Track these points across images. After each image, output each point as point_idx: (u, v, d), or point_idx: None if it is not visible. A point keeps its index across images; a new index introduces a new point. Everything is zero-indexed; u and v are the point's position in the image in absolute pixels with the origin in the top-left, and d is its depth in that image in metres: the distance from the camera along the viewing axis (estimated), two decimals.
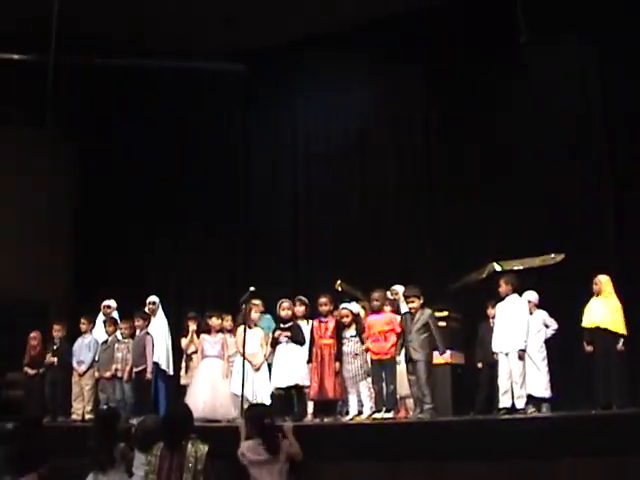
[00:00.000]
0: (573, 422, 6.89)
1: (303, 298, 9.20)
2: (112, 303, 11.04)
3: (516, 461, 6.31)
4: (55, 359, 10.47)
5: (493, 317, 9.34)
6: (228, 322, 9.71)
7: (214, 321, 9.54)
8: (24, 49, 12.76)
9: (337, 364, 8.37)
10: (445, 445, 6.76)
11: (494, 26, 11.61)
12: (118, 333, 10.23)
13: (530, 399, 8.63)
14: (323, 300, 8.68)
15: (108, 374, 9.99)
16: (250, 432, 6.72)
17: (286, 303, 8.96)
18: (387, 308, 8.68)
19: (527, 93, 11.86)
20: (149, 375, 9.73)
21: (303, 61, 13.63)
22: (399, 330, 8.32)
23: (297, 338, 8.70)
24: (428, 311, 8.23)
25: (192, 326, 10.15)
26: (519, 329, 8.44)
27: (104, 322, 10.60)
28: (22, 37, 12.40)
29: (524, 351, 8.48)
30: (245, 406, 8.49)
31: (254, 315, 9.12)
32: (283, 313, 8.91)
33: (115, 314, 10.88)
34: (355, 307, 9.07)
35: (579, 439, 6.23)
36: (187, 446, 6.23)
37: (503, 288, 8.67)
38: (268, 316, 9.60)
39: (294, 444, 6.79)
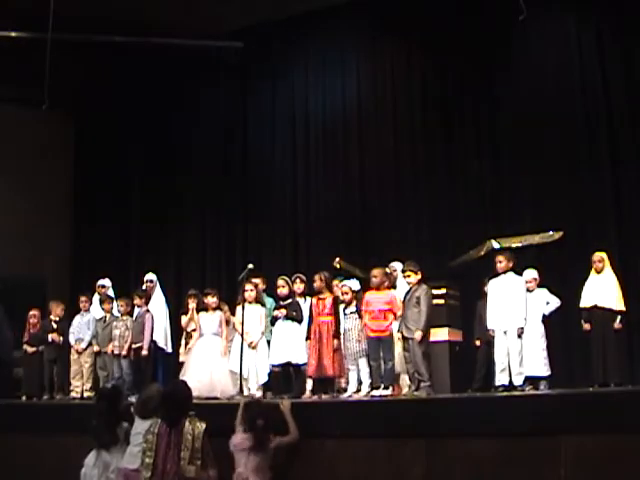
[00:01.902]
0: (571, 399, 6.89)
1: (302, 276, 9.20)
2: (106, 282, 11.07)
3: (514, 438, 6.32)
4: (61, 338, 10.49)
5: None
6: (225, 307, 9.75)
7: (209, 299, 9.53)
8: (22, 27, 12.70)
9: (335, 341, 8.34)
10: (443, 422, 6.76)
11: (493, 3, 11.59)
12: (115, 310, 10.26)
13: (528, 377, 8.64)
14: (315, 277, 8.68)
15: (108, 347, 10.02)
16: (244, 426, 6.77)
17: (281, 281, 8.94)
18: (385, 284, 8.64)
19: (527, 71, 11.84)
20: (144, 352, 9.73)
21: (302, 35, 13.61)
22: (398, 310, 8.31)
23: (294, 315, 8.68)
24: (423, 287, 8.20)
25: (192, 304, 10.13)
26: (518, 307, 8.42)
27: (100, 300, 10.61)
28: (20, 14, 12.35)
29: (523, 329, 8.46)
30: (244, 384, 8.57)
31: (250, 293, 9.10)
32: (279, 291, 8.91)
33: (110, 292, 10.90)
34: (355, 284, 9.06)
35: (577, 416, 6.24)
36: (185, 424, 6.29)
37: (504, 264, 8.61)
38: (270, 299, 9.57)
39: (291, 425, 6.85)
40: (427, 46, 12.67)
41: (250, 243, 13.54)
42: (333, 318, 8.41)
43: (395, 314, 8.28)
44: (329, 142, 13.41)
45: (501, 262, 8.63)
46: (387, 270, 8.90)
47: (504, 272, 8.61)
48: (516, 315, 8.41)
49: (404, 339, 8.17)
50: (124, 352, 9.84)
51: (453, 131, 12.40)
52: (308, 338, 8.57)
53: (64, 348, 10.50)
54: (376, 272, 8.47)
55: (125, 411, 7.32)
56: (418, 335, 8.01)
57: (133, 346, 9.82)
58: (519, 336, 8.41)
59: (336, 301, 8.50)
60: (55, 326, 10.56)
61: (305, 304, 8.99)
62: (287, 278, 9.02)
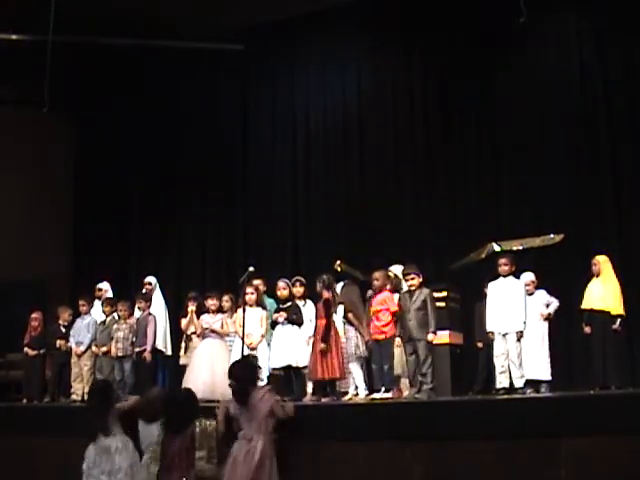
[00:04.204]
0: (572, 402, 6.89)
1: (301, 279, 9.19)
2: (104, 285, 11.08)
3: (515, 441, 6.32)
4: (63, 342, 10.48)
5: None
6: (228, 303, 9.68)
7: (211, 302, 9.52)
8: (23, 29, 12.72)
9: (322, 345, 8.28)
10: (444, 425, 6.76)
11: (493, 4, 11.57)
12: (115, 313, 10.26)
13: (529, 380, 8.63)
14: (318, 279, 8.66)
15: (104, 349, 10.01)
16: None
17: (282, 283, 8.94)
18: (387, 286, 8.61)
19: (527, 71, 11.87)
20: (148, 355, 9.74)
21: (303, 38, 13.61)
22: (394, 309, 8.26)
23: (294, 319, 8.67)
24: (426, 290, 8.17)
25: (192, 306, 10.12)
26: (517, 310, 8.40)
27: (102, 303, 10.61)
28: (21, 17, 12.36)
29: (522, 332, 8.43)
30: None
31: (251, 296, 9.09)
32: (279, 293, 8.91)
33: (109, 295, 10.90)
34: (339, 288, 9.11)
35: (578, 418, 6.23)
36: (193, 428, 6.32)
37: (508, 267, 8.56)
38: (271, 300, 9.56)
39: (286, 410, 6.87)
40: (427, 46, 12.66)
41: (250, 244, 13.53)
42: (324, 321, 8.35)
43: (392, 313, 8.24)
44: (330, 142, 13.40)
45: (506, 265, 8.56)
46: (389, 273, 8.88)
47: (507, 275, 8.56)
48: (516, 318, 8.38)
49: (411, 342, 8.12)
50: (128, 354, 9.84)
51: (453, 131, 12.39)
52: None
53: (70, 352, 10.49)
54: (378, 275, 8.44)
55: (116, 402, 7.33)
56: (431, 337, 8.02)
57: (136, 349, 9.82)
58: (518, 340, 8.37)
59: (327, 304, 8.43)
60: (64, 331, 10.55)
61: (305, 307, 8.98)
62: (288, 281, 9.01)
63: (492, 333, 8.55)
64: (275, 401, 6.78)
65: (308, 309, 8.99)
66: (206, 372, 9.01)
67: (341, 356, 8.38)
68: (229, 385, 6.82)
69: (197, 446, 6.52)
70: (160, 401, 6.99)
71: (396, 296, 8.52)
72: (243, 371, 6.98)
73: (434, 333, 8.06)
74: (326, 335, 8.26)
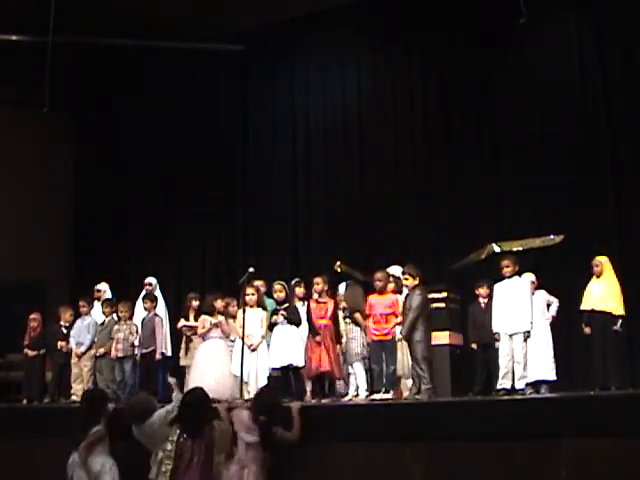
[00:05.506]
0: (572, 402, 6.89)
1: (301, 280, 9.20)
2: (102, 286, 11.06)
3: (515, 441, 6.32)
4: (64, 343, 10.46)
5: (485, 297, 9.36)
6: (234, 308, 9.60)
7: (219, 303, 9.44)
8: (23, 29, 12.71)
9: (337, 346, 8.28)
10: (444, 425, 6.76)
11: (493, 4, 11.57)
12: (115, 314, 10.25)
13: (535, 381, 8.64)
14: (317, 280, 8.64)
15: (103, 350, 10.00)
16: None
17: (278, 286, 8.94)
18: (390, 287, 8.59)
19: (527, 71, 11.88)
20: (158, 356, 9.75)
21: (303, 38, 13.61)
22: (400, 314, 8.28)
23: (293, 319, 8.67)
24: (417, 291, 8.08)
25: (191, 307, 10.11)
26: (523, 311, 8.38)
27: (102, 304, 10.60)
28: (21, 17, 12.36)
29: (529, 332, 8.42)
30: (245, 388, 8.52)
31: (252, 297, 9.06)
32: (276, 296, 8.91)
33: (108, 295, 10.88)
34: (342, 288, 9.09)
35: (578, 419, 6.23)
36: (212, 431, 6.32)
37: (511, 268, 8.52)
38: (270, 301, 9.54)
39: (295, 425, 6.82)
40: (427, 46, 12.66)
41: (250, 244, 13.54)
42: (331, 322, 8.36)
43: (397, 317, 8.25)
44: (330, 142, 13.40)
45: (508, 267, 8.53)
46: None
47: (510, 276, 8.54)
48: (522, 319, 8.36)
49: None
50: (128, 354, 9.83)
51: (453, 131, 12.40)
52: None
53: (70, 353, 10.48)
54: (380, 276, 8.40)
55: (110, 415, 7.30)
56: (399, 337, 8.04)
57: (142, 350, 9.81)
58: (525, 340, 8.36)
59: (336, 305, 8.46)
60: (65, 332, 10.52)
61: (303, 307, 8.98)
62: (283, 283, 9.01)
63: (498, 334, 8.53)
64: (280, 435, 6.71)
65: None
66: (217, 372, 8.89)
67: (340, 356, 8.43)
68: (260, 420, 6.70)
69: (216, 450, 6.51)
70: (141, 404, 7.03)
71: (399, 297, 8.52)
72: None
73: (402, 334, 8.01)
74: (338, 335, 8.27)
